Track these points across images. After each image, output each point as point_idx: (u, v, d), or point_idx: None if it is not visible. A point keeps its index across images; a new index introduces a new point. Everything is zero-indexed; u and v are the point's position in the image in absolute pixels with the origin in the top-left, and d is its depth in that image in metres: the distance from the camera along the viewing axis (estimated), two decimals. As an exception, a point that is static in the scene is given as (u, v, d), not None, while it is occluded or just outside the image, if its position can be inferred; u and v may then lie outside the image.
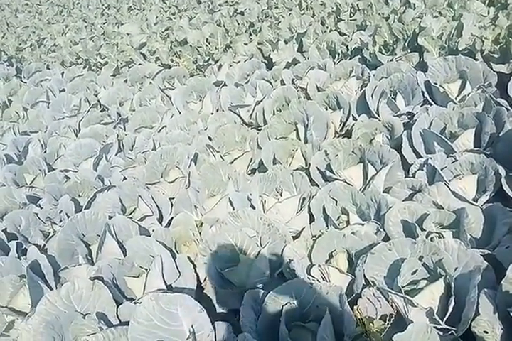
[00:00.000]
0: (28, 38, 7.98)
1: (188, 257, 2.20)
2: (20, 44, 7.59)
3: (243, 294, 1.79)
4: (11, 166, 3.51)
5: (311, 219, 2.28)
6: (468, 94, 2.78)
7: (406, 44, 3.67)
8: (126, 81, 4.66)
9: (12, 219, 2.81)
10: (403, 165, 2.44)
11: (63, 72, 5.47)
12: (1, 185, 3.49)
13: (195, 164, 2.83)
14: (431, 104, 2.87)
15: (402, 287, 1.64)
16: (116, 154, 3.37)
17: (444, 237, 1.87)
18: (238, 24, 5.67)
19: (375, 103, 3.02)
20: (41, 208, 2.97)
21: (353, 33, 4.28)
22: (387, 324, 1.66)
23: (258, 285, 1.96)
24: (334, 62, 3.79)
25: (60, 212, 2.81)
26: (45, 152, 3.73)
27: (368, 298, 1.67)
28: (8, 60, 6.85)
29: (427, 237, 1.86)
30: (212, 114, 3.56)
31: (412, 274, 1.70)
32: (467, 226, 1.88)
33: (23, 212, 2.89)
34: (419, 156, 2.52)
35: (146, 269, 2.10)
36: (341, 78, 3.44)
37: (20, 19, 10.38)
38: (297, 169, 2.59)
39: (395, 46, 3.71)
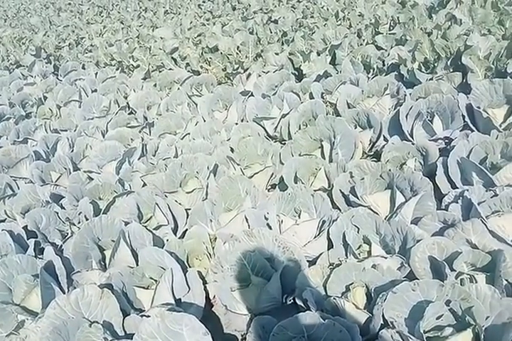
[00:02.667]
0: (68, 36, 8.17)
1: (199, 272, 2.16)
2: (59, 42, 7.78)
3: (252, 317, 1.74)
4: (38, 163, 3.56)
5: (330, 245, 2.15)
6: None
7: (448, 63, 3.46)
8: (155, 85, 4.68)
9: (33, 216, 2.84)
10: (436, 196, 2.25)
11: (97, 73, 5.55)
12: (28, 181, 3.56)
13: (215, 175, 2.79)
14: (472, 130, 2.69)
15: (425, 332, 1.52)
16: (138, 158, 3.37)
17: (476, 281, 1.72)
18: (271, 33, 5.62)
19: (409, 124, 2.86)
20: (63, 208, 2.99)
21: (391, 47, 4.06)
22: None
23: (268, 310, 1.90)
24: (368, 78, 3.66)
25: (79, 214, 2.82)
26: (72, 151, 3.77)
27: (385, 341, 1.56)
28: (47, 57, 7.00)
29: (456, 278, 1.73)
30: (236, 124, 3.52)
31: (437, 319, 1.57)
32: (504, 271, 1.72)
33: (44, 210, 2.91)
34: (454, 187, 2.34)
35: (156, 281, 2.09)
36: (374, 95, 3.28)
37: (62, 18, 10.66)
38: (319, 189, 2.49)
39: (436, 64, 3.52)
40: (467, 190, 2.16)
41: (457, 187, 2.32)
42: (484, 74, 3.22)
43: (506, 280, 1.74)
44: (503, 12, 4.17)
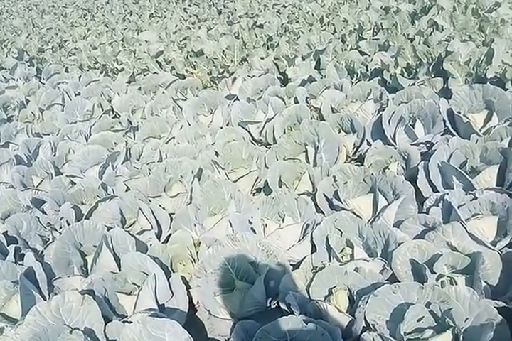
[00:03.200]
0: (51, 39, 8.08)
1: (183, 277, 2.15)
2: (42, 45, 7.68)
3: (235, 322, 1.73)
4: (19, 167, 3.50)
5: (314, 248, 2.15)
6: (494, 126, 2.62)
7: (430, 68, 3.51)
8: (140, 89, 4.65)
9: (14, 222, 2.79)
10: (417, 199, 2.28)
11: (80, 76, 5.49)
12: (9, 186, 3.49)
13: (199, 180, 2.78)
14: (452, 135, 2.73)
15: (405, 334, 1.53)
16: (122, 163, 3.34)
17: (456, 283, 1.74)
18: (256, 37, 5.64)
19: (391, 129, 2.89)
20: (44, 213, 2.95)
21: (375, 53, 4.12)
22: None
23: (252, 314, 1.89)
24: (352, 83, 3.70)
25: (61, 219, 2.78)
26: (54, 155, 3.72)
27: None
28: (30, 60, 6.91)
29: (437, 280, 1.74)
30: (221, 128, 3.52)
31: (418, 321, 1.58)
32: (482, 273, 1.75)
33: (25, 215, 2.87)
34: (435, 190, 2.37)
35: (138, 286, 2.07)
36: (358, 100, 3.32)
37: (46, 20, 10.53)
38: (303, 193, 2.50)
39: (418, 70, 3.57)
40: (447, 194, 2.18)
41: (438, 191, 2.35)
42: (465, 80, 3.27)
43: (485, 282, 1.77)
44: (483, 19, 4.24)
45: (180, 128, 3.67)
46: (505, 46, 3.37)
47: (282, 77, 4.43)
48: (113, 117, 4.27)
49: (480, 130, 2.69)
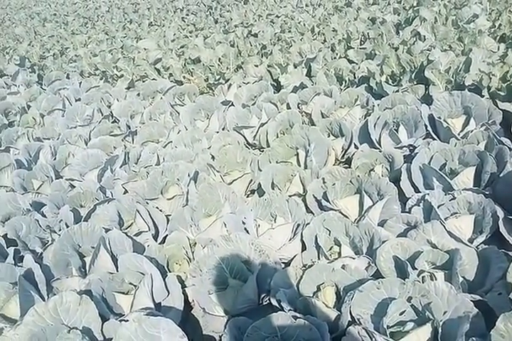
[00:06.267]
0: (52, 46, 8.06)
1: (179, 276, 2.15)
2: (44, 52, 7.66)
3: (229, 319, 1.73)
4: (20, 171, 3.49)
5: (303, 247, 2.19)
6: (472, 130, 2.68)
7: (413, 76, 3.58)
8: (138, 94, 4.65)
9: (13, 225, 2.77)
10: (400, 199, 2.33)
11: (81, 82, 5.49)
12: (10, 190, 3.47)
13: (195, 182, 2.79)
14: (433, 138, 2.79)
15: (388, 327, 1.55)
16: (121, 166, 3.33)
17: (436, 278, 1.77)
18: (251, 46, 5.67)
19: (377, 133, 2.95)
20: (44, 216, 2.93)
21: (362, 61, 4.19)
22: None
23: (245, 311, 1.89)
24: (341, 89, 3.74)
25: (60, 221, 2.77)
26: (54, 159, 3.70)
27: (352, 337, 1.58)
28: (32, 67, 6.90)
29: (418, 276, 1.77)
30: (217, 132, 3.53)
31: (400, 315, 1.61)
32: (460, 268, 1.79)
33: (24, 218, 2.85)
34: (417, 191, 2.42)
35: (135, 286, 2.06)
36: (346, 106, 3.37)
37: (47, 28, 10.52)
38: (294, 195, 2.52)
39: (401, 77, 3.62)
40: (428, 194, 2.23)
41: (419, 191, 2.40)
42: (445, 87, 3.33)
43: (462, 277, 1.81)
44: (462, 30, 4.32)
45: (178, 132, 3.68)
46: (482, 55, 3.45)
47: (275, 84, 4.46)
48: (112, 122, 4.26)
49: (458, 134, 2.75)
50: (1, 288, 2.22)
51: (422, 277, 1.79)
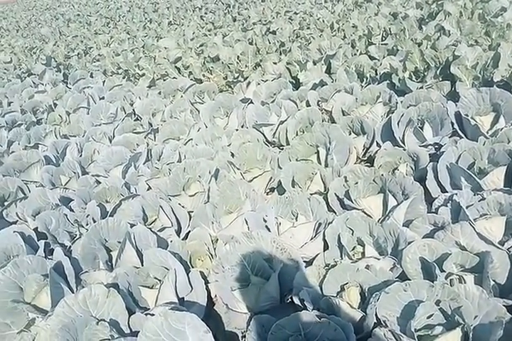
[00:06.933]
0: (76, 46, 8.18)
1: (202, 272, 2.16)
2: (68, 52, 7.79)
3: (251, 316, 1.73)
4: (48, 167, 3.55)
5: (326, 246, 2.14)
6: (501, 128, 2.56)
7: (438, 72, 3.46)
8: (160, 93, 4.69)
9: (44, 219, 2.82)
10: (426, 199, 2.24)
11: (104, 81, 5.56)
12: (39, 185, 3.55)
13: (216, 179, 2.79)
14: (460, 137, 2.69)
15: (416, 331, 1.51)
16: (144, 163, 3.37)
17: (464, 281, 1.71)
18: (269, 43, 5.63)
19: (400, 131, 2.86)
20: (71, 210, 2.99)
21: (384, 57, 4.07)
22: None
23: (267, 308, 1.89)
24: (362, 86, 3.66)
25: (87, 216, 2.81)
26: (80, 156, 3.77)
27: (378, 339, 1.55)
28: (57, 66, 7.02)
29: (446, 278, 1.71)
30: (236, 130, 3.52)
31: (427, 318, 1.56)
32: (491, 271, 1.71)
33: (54, 212, 2.90)
34: (444, 191, 2.33)
35: (160, 280, 2.08)
36: (367, 103, 3.28)
37: (71, 28, 10.67)
38: (315, 193, 2.48)
39: (425, 73, 3.51)
40: (456, 194, 2.14)
41: (446, 191, 2.31)
42: (472, 83, 3.22)
43: (494, 280, 1.73)
44: (489, 24, 4.17)
45: (198, 130, 3.69)
46: (511, 50, 3.29)
47: (294, 81, 4.42)
48: (135, 120, 4.30)
49: (487, 132, 2.64)
50: (33, 280, 2.26)
51: (450, 280, 1.72)
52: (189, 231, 2.44)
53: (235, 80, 4.59)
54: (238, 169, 2.90)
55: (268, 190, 2.93)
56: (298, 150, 2.89)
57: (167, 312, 1.65)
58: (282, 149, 3.06)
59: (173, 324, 1.63)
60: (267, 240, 2.03)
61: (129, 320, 1.92)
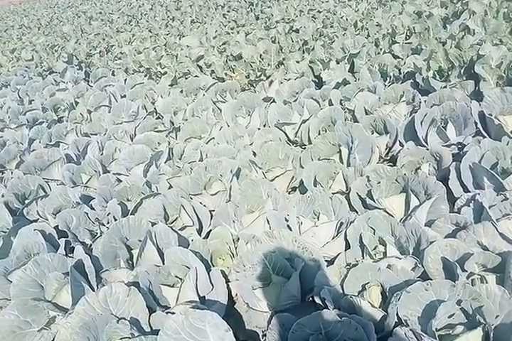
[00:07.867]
0: (98, 44, 8.36)
1: (222, 271, 2.19)
2: (90, 50, 7.97)
3: (272, 315, 1.75)
4: (69, 165, 3.62)
5: (347, 246, 2.18)
6: None
7: (462, 71, 3.46)
8: (181, 91, 4.75)
9: (64, 217, 2.88)
10: (448, 199, 2.26)
11: (126, 79, 5.66)
12: (60, 183, 3.65)
13: (238, 178, 2.82)
14: (483, 136, 2.68)
15: (437, 330, 1.52)
16: (165, 162, 3.42)
17: (486, 281, 1.72)
18: (292, 41, 5.65)
19: (424, 130, 2.86)
20: (92, 209, 3.06)
21: (407, 56, 4.09)
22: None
23: (288, 307, 1.91)
24: (385, 85, 3.67)
25: (108, 214, 2.87)
26: (101, 154, 3.84)
27: (399, 338, 1.56)
28: (79, 64, 7.19)
29: (468, 278, 1.72)
30: (258, 129, 3.55)
31: (449, 318, 1.58)
32: None
33: (75, 211, 2.95)
34: (466, 191, 2.34)
35: (180, 279, 2.11)
36: (391, 102, 3.29)
37: (93, 26, 10.92)
38: (337, 192, 2.50)
39: (450, 72, 3.51)
40: (479, 194, 2.15)
41: (469, 191, 2.32)
42: (496, 83, 3.21)
43: (515, 281, 1.73)
44: (514, 23, 4.12)
45: (220, 129, 3.73)
46: (536, 49, 3.27)
47: (317, 80, 4.42)
48: (156, 118, 4.37)
49: (511, 132, 2.63)
50: (54, 278, 2.30)
51: (472, 280, 1.74)
52: (210, 230, 2.47)
53: (257, 79, 4.62)
54: (260, 168, 2.92)
55: (290, 189, 2.95)
56: (320, 149, 2.91)
57: (188, 310, 1.68)
58: (304, 148, 3.07)
59: (193, 322, 1.65)
60: (289, 239, 2.05)
61: (149, 319, 1.95)
